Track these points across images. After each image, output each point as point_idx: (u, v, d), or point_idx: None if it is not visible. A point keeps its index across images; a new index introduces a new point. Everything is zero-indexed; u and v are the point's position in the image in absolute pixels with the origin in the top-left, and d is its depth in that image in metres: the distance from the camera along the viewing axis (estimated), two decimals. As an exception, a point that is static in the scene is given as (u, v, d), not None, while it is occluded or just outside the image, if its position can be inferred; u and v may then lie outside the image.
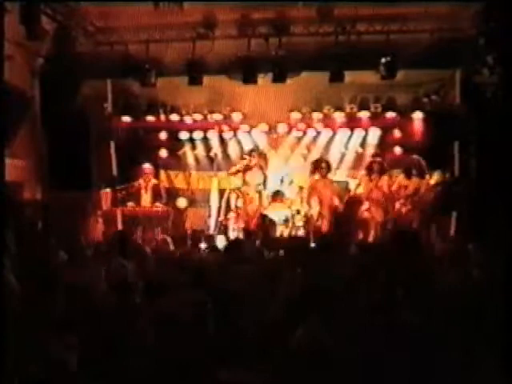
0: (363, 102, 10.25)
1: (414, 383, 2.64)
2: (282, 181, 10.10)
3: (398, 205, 9.05)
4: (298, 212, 9.50)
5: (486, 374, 2.68)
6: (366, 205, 9.15)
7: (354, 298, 3.20)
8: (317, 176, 9.70)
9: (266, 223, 8.73)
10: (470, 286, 3.80)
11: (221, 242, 8.74)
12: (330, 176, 9.79)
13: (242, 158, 10.20)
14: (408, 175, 9.12)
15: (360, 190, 9.34)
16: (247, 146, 10.64)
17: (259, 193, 9.87)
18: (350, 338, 2.75)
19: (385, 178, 9.19)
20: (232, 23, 8.91)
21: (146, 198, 9.51)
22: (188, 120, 10.54)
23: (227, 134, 10.69)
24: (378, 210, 9.02)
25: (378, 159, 9.44)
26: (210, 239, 9.28)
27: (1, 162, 5.36)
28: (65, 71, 8.59)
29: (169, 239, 8.74)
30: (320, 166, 9.69)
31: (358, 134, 10.49)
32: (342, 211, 9.25)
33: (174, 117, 10.50)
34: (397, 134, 10.25)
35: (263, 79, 9.19)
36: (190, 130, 10.72)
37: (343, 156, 10.62)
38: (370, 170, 9.32)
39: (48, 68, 8.87)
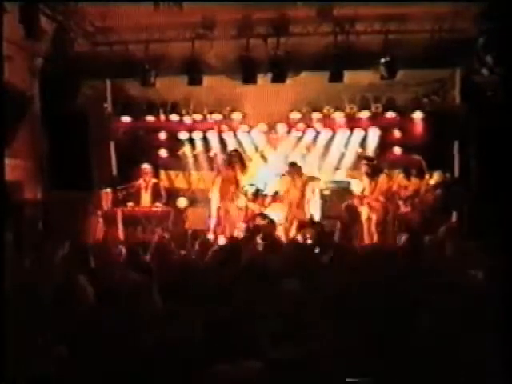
0: (363, 102, 10.25)
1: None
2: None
3: (398, 205, 9.05)
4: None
5: (487, 374, 2.68)
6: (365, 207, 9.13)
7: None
8: (288, 178, 9.54)
9: (266, 223, 8.74)
10: (471, 286, 3.80)
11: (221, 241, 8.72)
12: (304, 176, 9.58)
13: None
14: (407, 176, 9.12)
15: (364, 192, 9.31)
16: (247, 146, 10.66)
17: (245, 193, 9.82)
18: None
19: (384, 178, 9.13)
20: (232, 23, 8.91)
21: (145, 198, 9.50)
22: (188, 120, 10.55)
23: (227, 134, 10.69)
24: (378, 212, 9.00)
25: (369, 162, 9.35)
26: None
27: (1, 162, 5.37)
28: (65, 71, 8.59)
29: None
30: (292, 168, 9.55)
31: (358, 134, 10.48)
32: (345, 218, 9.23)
33: (174, 117, 10.51)
34: (397, 133, 10.24)
35: (263, 79, 9.20)
36: (190, 130, 10.73)
37: (343, 156, 10.62)
38: (366, 173, 9.30)
39: (48, 68, 8.87)
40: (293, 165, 9.65)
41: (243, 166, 9.82)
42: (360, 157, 10.26)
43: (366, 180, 9.21)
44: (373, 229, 8.91)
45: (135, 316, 2.95)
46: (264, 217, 9.08)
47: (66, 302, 3.34)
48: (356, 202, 9.22)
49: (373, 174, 9.11)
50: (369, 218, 8.99)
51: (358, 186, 9.66)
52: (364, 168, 9.28)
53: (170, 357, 2.43)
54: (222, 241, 8.50)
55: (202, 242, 6.74)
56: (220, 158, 10.49)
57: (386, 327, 2.84)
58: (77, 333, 2.90)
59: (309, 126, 10.50)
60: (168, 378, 2.48)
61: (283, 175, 9.71)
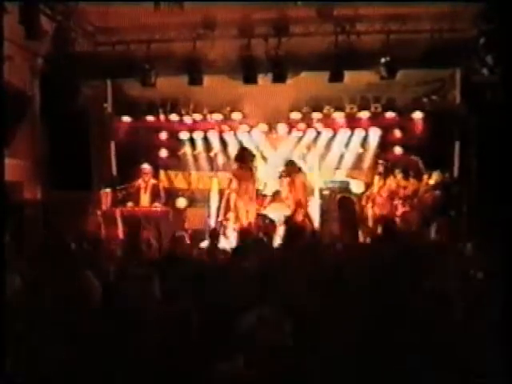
0: (363, 101, 10.26)
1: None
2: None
3: (397, 204, 9.09)
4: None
5: (488, 373, 2.69)
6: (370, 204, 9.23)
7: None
8: (286, 179, 9.45)
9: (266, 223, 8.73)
10: (470, 286, 3.80)
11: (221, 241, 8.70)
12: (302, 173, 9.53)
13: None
14: (406, 176, 9.17)
15: (372, 191, 9.38)
16: (247, 146, 10.63)
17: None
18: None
19: (391, 179, 9.29)
20: (232, 23, 8.91)
21: (145, 198, 9.50)
22: (188, 120, 10.55)
23: (227, 134, 10.69)
24: (382, 210, 9.07)
25: (384, 162, 9.53)
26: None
27: (1, 162, 5.37)
28: (65, 71, 8.59)
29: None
30: (288, 168, 9.47)
31: (358, 133, 10.49)
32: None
33: (174, 117, 10.51)
34: (397, 133, 10.26)
35: (264, 79, 9.19)
36: (190, 130, 10.73)
37: (343, 156, 10.62)
38: (379, 173, 9.42)
39: (48, 68, 8.87)
40: (289, 164, 9.55)
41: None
42: (361, 157, 10.32)
43: (376, 179, 9.36)
44: (379, 229, 8.94)
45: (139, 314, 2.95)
46: (264, 217, 9.07)
47: (76, 297, 3.32)
48: (364, 200, 9.35)
49: (385, 173, 9.27)
50: (376, 219, 9.03)
51: (358, 186, 9.70)
52: (379, 167, 9.52)
53: (170, 355, 2.43)
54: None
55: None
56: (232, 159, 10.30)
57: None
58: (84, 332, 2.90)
59: (309, 126, 10.51)
60: (168, 378, 2.48)
61: (281, 176, 9.65)
